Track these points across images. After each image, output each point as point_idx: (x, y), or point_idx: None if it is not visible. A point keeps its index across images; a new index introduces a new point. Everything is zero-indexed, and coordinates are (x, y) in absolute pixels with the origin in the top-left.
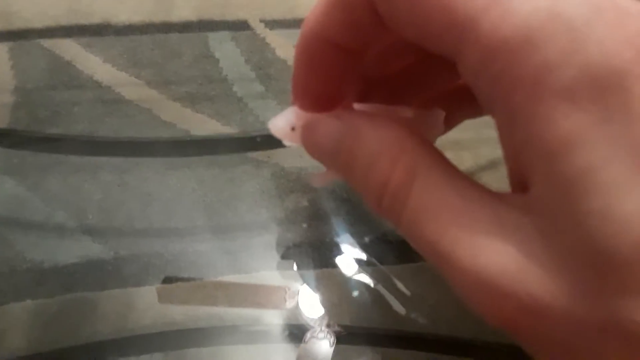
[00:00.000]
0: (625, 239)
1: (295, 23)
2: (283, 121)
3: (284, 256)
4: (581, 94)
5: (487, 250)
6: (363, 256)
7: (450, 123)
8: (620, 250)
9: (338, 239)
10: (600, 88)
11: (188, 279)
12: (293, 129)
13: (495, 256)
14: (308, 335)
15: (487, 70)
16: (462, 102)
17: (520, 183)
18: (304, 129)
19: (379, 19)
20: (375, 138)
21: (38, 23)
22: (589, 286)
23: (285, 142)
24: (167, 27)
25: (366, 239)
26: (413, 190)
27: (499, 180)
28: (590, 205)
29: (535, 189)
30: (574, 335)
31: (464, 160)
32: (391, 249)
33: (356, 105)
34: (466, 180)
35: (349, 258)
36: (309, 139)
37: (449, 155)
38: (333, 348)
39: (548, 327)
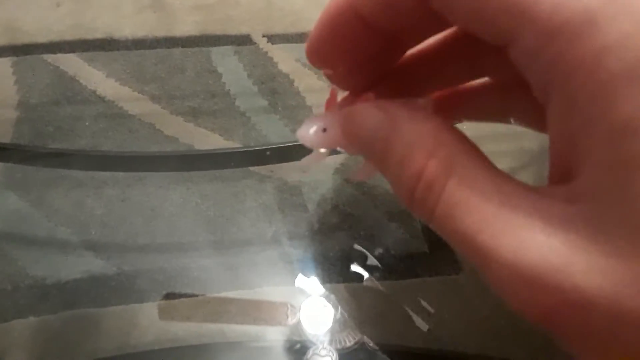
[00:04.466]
0: None
1: (298, 37)
2: (313, 126)
3: (287, 272)
4: None
5: (529, 244)
6: (367, 271)
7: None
8: None
9: (341, 254)
10: None
11: (191, 295)
12: (325, 130)
13: (539, 250)
14: (310, 352)
15: (544, 53)
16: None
17: (564, 173)
18: (345, 116)
19: (424, 2)
20: (413, 129)
21: (42, 38)
22: (639, 275)
23: (306, 161)
24: (170, 42)
25: (370, 254)
26: (449, 183)
27: None
28: None
29: (588, 174)
30: (620, 327)
31: None
32: (395, 264)
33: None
34: (504, 175)
35: (353, 273)
36: (348, 127)
37: None
38: None
39: (594, 319)
